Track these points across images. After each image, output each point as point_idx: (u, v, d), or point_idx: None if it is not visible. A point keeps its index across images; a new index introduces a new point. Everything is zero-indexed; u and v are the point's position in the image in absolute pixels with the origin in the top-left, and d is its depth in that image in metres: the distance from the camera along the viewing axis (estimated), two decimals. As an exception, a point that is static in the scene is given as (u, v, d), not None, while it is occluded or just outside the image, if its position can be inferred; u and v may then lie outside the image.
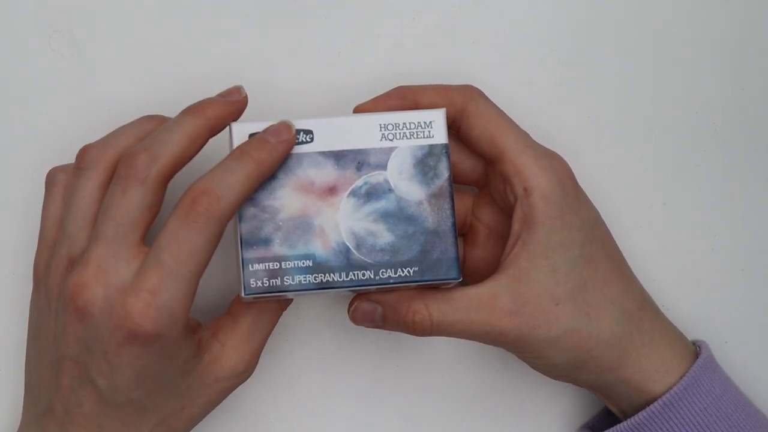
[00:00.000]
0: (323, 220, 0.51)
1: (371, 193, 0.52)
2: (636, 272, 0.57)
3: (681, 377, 0.55)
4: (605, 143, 0.61)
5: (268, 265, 0.51)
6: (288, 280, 0.51)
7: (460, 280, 0.52)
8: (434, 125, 0.53)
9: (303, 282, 0.51)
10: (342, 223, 0.51)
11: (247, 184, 0.49)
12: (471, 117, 0.54)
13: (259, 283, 0.51)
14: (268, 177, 0.51)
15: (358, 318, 0.54)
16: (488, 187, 0.56)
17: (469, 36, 0.61)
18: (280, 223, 0.51)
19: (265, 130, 0.51)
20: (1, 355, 0.59)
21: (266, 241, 0.51)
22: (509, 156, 0.53)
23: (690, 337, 0.60)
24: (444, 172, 0.52)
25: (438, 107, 0.53)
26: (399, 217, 0.52)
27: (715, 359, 0.57)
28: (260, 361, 0.60)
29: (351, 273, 0.51)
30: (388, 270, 0.51)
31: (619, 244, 0.57)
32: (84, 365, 0.50)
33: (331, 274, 0.51)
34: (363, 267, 0.51)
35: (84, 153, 0.52)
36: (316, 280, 0.51)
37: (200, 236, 0.48)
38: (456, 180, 0.56)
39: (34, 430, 0.52)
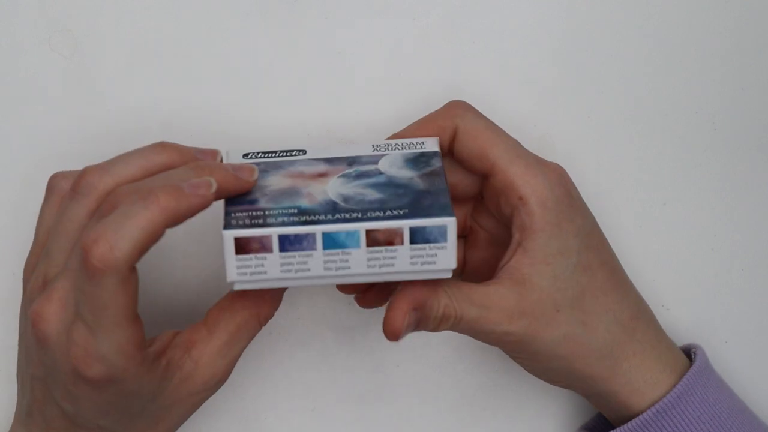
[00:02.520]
0: (311, 189, 0.50)
1: (361, 175, 0.51)
2: (636, 272, 0.57)
3: (667, 392, 0.55)
4: (605, 143, 0.61)
5: (252, 213, 0.49)
6: (271, 221, 0.48)
7: (455, 265, 0.49)
8: (426, 143, 0.53)
9: (286, 221, 0.48)
10: (330, 190, 0.50)
11: (147, 232, 0.46)
12: (460, 135, 0.54)
13: (241, 222, 0.48)
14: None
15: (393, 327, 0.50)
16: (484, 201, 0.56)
17: (469, 36, 0.61)
18: (267, 192, 0.50)
19: (189, 182, 0.47)
20: (0, 355, 0.59)
21: (251, 201, 0.49)
22: (500, 168, 0.53)
23: (690, 337, 0.60)
24: (437, 163, 0.52)
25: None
26: (389, 185, 0.50)
27: (710, 366, 0.56)
28: (260, 361, 0.60)
29: (338, 215, 0.48)
30: (377, 212, 0.49)
31: (619, 244, 0.57)
32: (49, 388, 0.49)
33: (317, 216, 0.48)
34: (351, 211, 0.49)
35: (83, 176, 0.50)
36: (300, 219, 0.48)
37: (103, 291, 0.46)
38: (455, 199, 0.56)
39: (21, 430, 0.53)
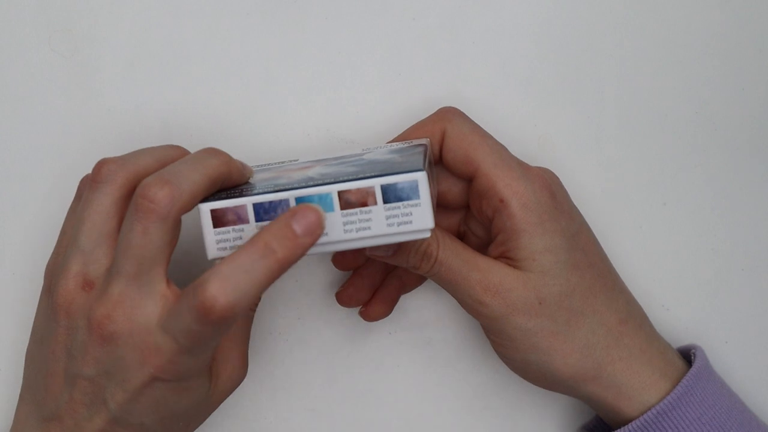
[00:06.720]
0: (293, 175, 0.50)
1: (344, 162, 0.51)
2: (636, 272, 0.57)
3: (660, 396, 0.55)
4: (605, 143, 0.61)
5: (230, 192, 0.50)
6: (247, 194, 0.49)
7: (432, 224, 0.48)
8: (415, 141, 0.53)
9: (261, 191, 0.48)
10: (311, 173, 0.50)
11: (265, 286, 0.47)
12: (447, 139, 0.54)
13: (217, 197, 0.49)
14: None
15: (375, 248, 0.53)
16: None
17: (469, 36, 0.61)
18: (251, 182, 0.51)
19: (296, 216, 0.48)
20: (0, 355, 0.59)
21: (232, 189, 0.50)
22: (483, 171, 0.53)
23: (690, 337, 0.60)
24: (421, 146, 0.52)
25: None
26: (368, 162, 0.51)
27: (710, 367, 0.56)
28: (260, 361, 0.60)
29: (311, 183, 0.48)
30: (350, 177, 0.49)
31: (619, 245, 0.57)
32: (100, 387, 0.50)
33: (292, 185, 0.49)
34: (324, 179, 0.49)
35: (101, 166, 0.51)
36: (274, 188, 0.48)
37: (215, 335, 0.48)
38: (446, 207, 0.56)
39: None
